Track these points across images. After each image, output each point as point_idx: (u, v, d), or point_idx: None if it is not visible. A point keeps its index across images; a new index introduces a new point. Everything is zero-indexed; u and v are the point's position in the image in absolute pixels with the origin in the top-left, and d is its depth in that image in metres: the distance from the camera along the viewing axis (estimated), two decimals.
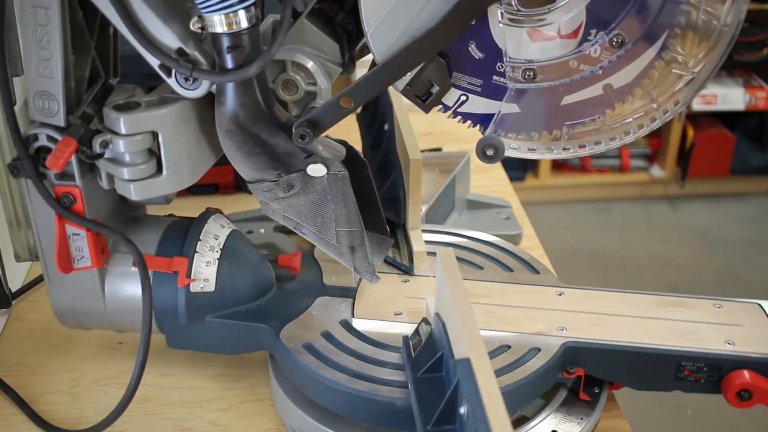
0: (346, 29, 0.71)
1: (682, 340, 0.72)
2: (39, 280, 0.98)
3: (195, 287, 0.76)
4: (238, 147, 0.68)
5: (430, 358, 0.65)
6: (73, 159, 0.70)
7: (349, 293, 0.81)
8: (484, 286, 0.80)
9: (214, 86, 0.66)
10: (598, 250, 2.79)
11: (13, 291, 0.92)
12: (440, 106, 0.66)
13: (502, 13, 0.61)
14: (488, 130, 0.65)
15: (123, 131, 0.67)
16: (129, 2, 0.63)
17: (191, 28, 0.63)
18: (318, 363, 0.71)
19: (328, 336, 0.74)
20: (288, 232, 0.93)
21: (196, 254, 0.76)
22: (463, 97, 0.65)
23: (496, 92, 0.65)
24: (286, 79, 0.69)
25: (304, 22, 0.68)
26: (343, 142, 0.74)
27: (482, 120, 0.67)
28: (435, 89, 0.65)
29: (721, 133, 3.02)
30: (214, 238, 0.78)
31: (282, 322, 0.76)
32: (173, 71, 0.65)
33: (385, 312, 0.78)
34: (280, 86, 0.70)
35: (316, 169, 0.69)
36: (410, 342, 0.70)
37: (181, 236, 0.77)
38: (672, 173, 3.07)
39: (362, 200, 0.73)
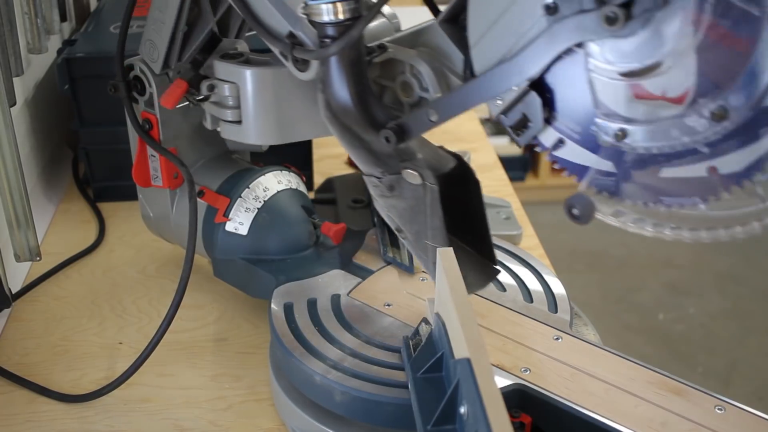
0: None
1: (644, 429, 0.63)
2: (39, 280, 0.98)
3: (230, 227, 0.86)
4: (339, 136, 0.69)
5: (430, 358, 0.64)
6: (155, 89, 0.84)
7: (365, 274, 0.83)
8: (488, 306, 0.78)
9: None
10: (598, 250, 2.79)
11: (13, 291, 0.92)
12: (538, 145, 0.61)
13: (589, 62, 0.55)
14: (581, 186, 0.58)
15: (216, 75, 0.78)
16: None
17: (299, 13, 0.68)
18: (283, 322, 0.75)
19: (311, 303, 0.78)
20: None
21: (239, 199, 0.86)
22: (561, 141, 0.60)
23: (594, 144, 0.58)
24: (403, 80, 0.69)
25: (436, 27, 0.66)
26: (458, 157, 0.72)
27: (578, 170, 0.60)
28: (531, 125, 0.60)
29: None
30: (263, 189, 0.87)
31: (289, 280, 0.81)
32: (289, 57, 0.69)
33: (378, 299, 0.79)
34: (399, 87, 0.69)
35: (410, 176, 0.67)
36: (410, 342, 0.70)
37: (241, 181, 0.87)
38: None
39: (469, 221, 0.71)
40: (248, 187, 0.87)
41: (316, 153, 1.21)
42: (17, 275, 0.98)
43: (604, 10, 0.51)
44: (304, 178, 0.96)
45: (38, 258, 0.93)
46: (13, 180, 0.88)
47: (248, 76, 0.75)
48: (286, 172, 0.91)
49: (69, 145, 1.29)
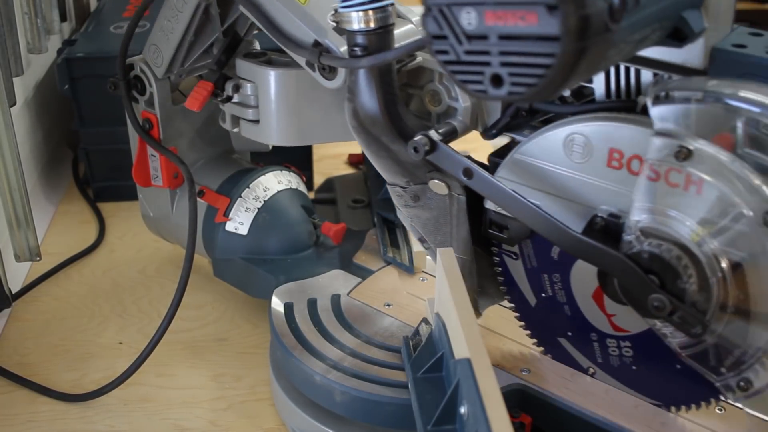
0: (521, 112, 0.66)
1: (644, 429, 0.63)
2: (39, 280, 0.99)
3: (230, 227, 0.86)
4: (365, 146, 0.68)
5: (430, 358, 0.64)
6: (155, 89, 0.84)
7: (365, 274, 0.83)
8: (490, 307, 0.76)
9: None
10: None
11: (13, 291, 0.92)
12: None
13: None
14: None
15: (239, 74, 0.78)
16: (268, 9, 0.70)
17: (328, 21, 0.67)
18: (283, 322, 0.75)
19: (311, 303, 0.78)
20: None
21: (239, 198, 0.86)
22: (514, 256, 0.67)
23: (538, 284, 0.67)
24: (432, 89, 0.68)
25: None
26: (484, 166, 0.69)
27: (506, 277, 0.68)
28: (506, 234, 0.66)
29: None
30: (263, 189, 0.87)
31: (289, 280, 0.82)
32: (316, 66, 0.68)
33: (378, 299, 0.79)
34: (426, 95, 0.69)
35: (437, 186, 0.67)
36: (410, 342, 0.70)
37: (241, 180, 0.87)
38: None
39: None
40: (248, 187, 0.87)
41: (316, 153, 1.21)
42: (17, 275, 0.98)
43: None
44: (304, 178, 0.96)
45: (38, 258, 0.93)
46: (13, 180, 0.88)
47: (272, 77, 0.74)
48: (286, 172, 0.91)
49: (69, 145, 1.29)
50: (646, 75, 0.59)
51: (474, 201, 0.67)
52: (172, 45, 0.80)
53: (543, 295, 0.67)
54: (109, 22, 1.23)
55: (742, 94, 0.51)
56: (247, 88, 0.77)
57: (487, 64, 0.46)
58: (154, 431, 0.77)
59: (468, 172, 0.63)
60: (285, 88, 0.75)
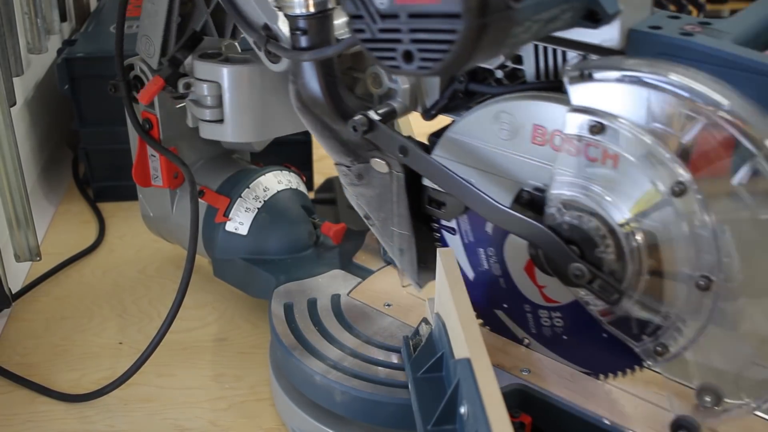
0: (458, 93, 0.68)
1: (643, 428, 0.63)
2: (39, 280, 0.99)
3: (230, 227, 0.86)
4: (311, 126, 0.70)
5: (430, 358, 0.64)
6: None
7: (365, 274, 0.83)
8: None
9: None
10: None
11: (13, 291, 0.92)
12: None
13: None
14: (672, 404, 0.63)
15: (195, 75, 0.78)
16: None
17: (274, 5, 0.69)
18: (283, 322, 0.75)
19: (311, 303, 0.78)
20: None
21: (239, 198, 0.86)
22: (452, 231, 0.70)
23: (475, 258, 0.69)
24: (373, 72, 0.71)
25: None
26: (423, 146, 0.72)
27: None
28: (443, 210, 0.69)
29: None
30: (263, 189, 0.87)
31: (289, 280, 0.82)
32: (262, 48, 0.70)
33: (378, 299, 0.79)
34: (369, 78, 0.71)
35: (378, 164, 0.70)
36: (410, 342, 0.70)
37: (241, 180, 0.87)
38: None
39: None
40: (248, 187, 0.87)
41: (316, 153, 1.21)
42: (17, 275, 0.98)
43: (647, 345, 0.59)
44: (304, 178, 0.96)
45: (38, 258, 0.93)
46: (13, 180, 0.88)
47: (225, 73, 0.76)
48: (286, 172, 0.91)
49: (69, 145, 1.29)
50: (573, 56, 0.61)
51: (414, 179, 0.69)
52: (159, 28, 0.80)
53: (480, 268, 0.69)
54: (109, 22, 1.23)
55: (656, 71, 0.53)
56: (203, 88, 0.78)
57: (398, 41, 0.49)
58: (154, 431, 0.77)
59: (404, 150, 0.66)
60: (239, 83, 0.77)
